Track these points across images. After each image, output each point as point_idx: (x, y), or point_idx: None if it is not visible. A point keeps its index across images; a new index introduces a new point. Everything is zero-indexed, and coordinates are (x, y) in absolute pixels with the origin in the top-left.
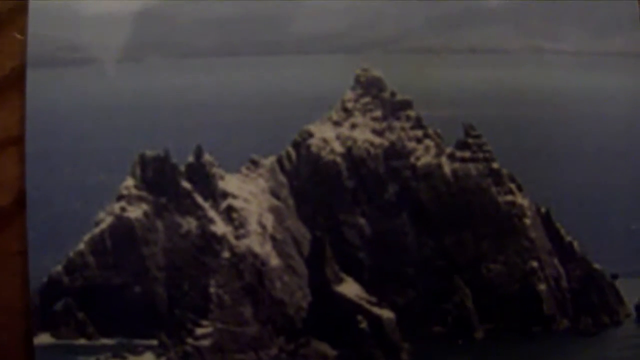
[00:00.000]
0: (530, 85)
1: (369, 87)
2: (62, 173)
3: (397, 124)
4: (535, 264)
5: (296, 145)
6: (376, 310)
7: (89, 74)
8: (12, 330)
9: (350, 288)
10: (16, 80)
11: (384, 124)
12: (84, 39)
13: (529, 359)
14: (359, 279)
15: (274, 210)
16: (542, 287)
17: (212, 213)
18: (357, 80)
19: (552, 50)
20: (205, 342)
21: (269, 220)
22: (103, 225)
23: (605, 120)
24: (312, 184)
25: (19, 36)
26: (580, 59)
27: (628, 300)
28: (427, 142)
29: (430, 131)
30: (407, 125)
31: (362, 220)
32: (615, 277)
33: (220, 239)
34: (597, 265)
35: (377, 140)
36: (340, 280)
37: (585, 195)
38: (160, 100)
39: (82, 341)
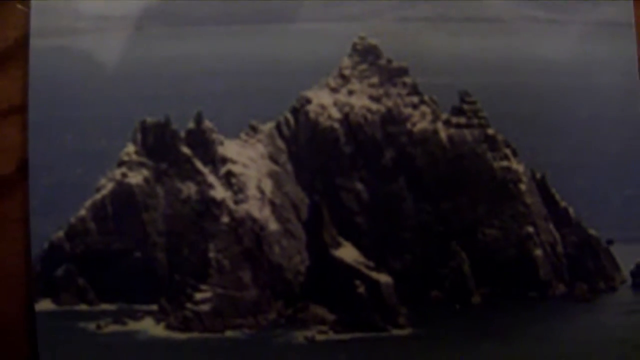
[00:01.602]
0: (524, 54)
1: (366, 54)
2: (64, 140)
3: (393, 91)
4: (531, 229)
5: (294, 111)
6: (374, 274)
7: (91, 43)
8: (13, 297)
9: (348, 252)
10: (19, 50)
11: (381, 91)
12: (85, 9)
13: (525, 323)
14: (356, 244)
15: (272, 175)
16: (538, 252)
17: (211, 178)
18: (354, 47)
19: (545, 19)
20: (205, 307)
21: (267, 185)
22: (104, 191)
23: (597, 88)
24: (310, 150)
25: (22, 7)
26: (573, 28)
27: (624, 267)
28: (423, 108)
29: (426, 98)
30: (404, 91)
31: (359, 185)
32: (610, 242)
33: (220, 204)
34: (592, 231)
35: (374, 106)
36: (338, 245)
37: (579, 162)
38: (161, 68)
39: (83, 307)
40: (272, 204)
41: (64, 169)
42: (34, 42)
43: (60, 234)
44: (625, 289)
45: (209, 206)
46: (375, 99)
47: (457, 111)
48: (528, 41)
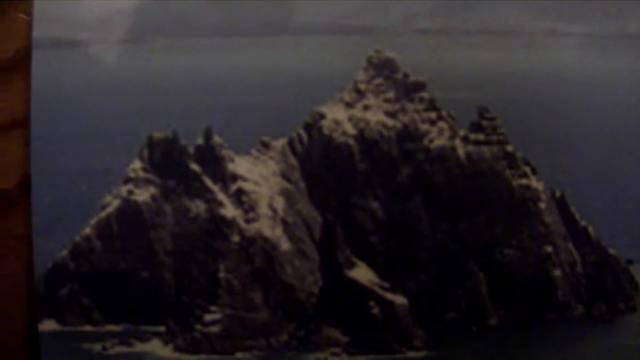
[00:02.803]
0: (544, 68)
1: (382, 68)
2: (68, 156)
3: (410, 106)
4: (549, 248)
5: (308, 127)
6: (389, 295)
7: (95, 55)
8: (16, 317)
9: (362, 273)
10: (21, 62)
11: (397, 106)
12: (89, 20)
13: (543, 345)
14: (371, 264)
15: (284, 193)
16: (557, 272)
17: (221, 196)
18: (370, 61)
19: (565, 32)
20: (214, 329)
21: (279, 203)
22: (110, 209)
23: (619, 104)
24: (324, 167)
25: (24, 17)
26: (594, 42)
27: None
28: (441, 124)
29: (444, 113)
30: (421, 107)
31: (374, 204)
32: (630, 262)
33: (230, 223)
34: (612, 251)
35: (390, 122)
36: (352, 265)
37: (599, 180)
38: (167, 81)
39: (88, 328)
40: (284, 222)
41: (68, 185)
42: (36, 54)
43: (65, 252)
44: None
45: (218, 225)
46: (392, 115)
47: (476, 127)
48: (549, 55)
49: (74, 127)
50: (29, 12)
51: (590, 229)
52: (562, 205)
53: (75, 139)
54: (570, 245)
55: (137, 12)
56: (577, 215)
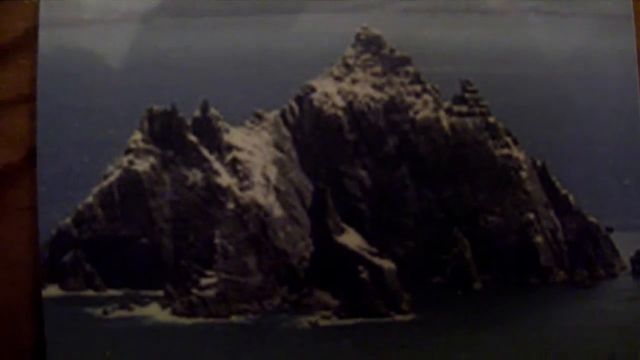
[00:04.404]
0: (525, 46)
1: (369, 44)
2: (72, 129)
3: (396, 80)
4: (532, 216)
5: (299, 100)
6: (377, 260)
7: (98, 35)
8: (22, 284)
9: (352, 239)
10: (29, 41)
11: (384, 80)
12: (92, 1)
13: (526, 310)
14: (360, 230)
15: (277, 162)
16: (539, 239)
17: (217, 165)
18: (358, 38)
19: (546, 12)
20: (210, 293)
21: (272, 172)
22: (112, 179)
23: (597, 80)
24: (315, 137)
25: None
26: (573, 21)
27: (624, 254)
28: (426, 97)
29: (428, 87)
30: (406, 80)
31: (363, 173)
32: (610, 230)
33: (225, 191)
34: (592, 219)
35: (377, 94)
36: (342, 231)
37: (579, 151)
38: (167, 59)
39: (90, 293)
40: (277, 190)
41: (72, 157)
42: (43, 34)
43: (68, 220)
44: (626, 276)
45: (214, 193)
46: (379, 88)
47: (459, 100)
48: (528, 33)
49: (78, 102)
50: None
51: (571, 198)
52: (543, 175)
53: (79, 112)
54: (552, 213)
55: None
56: (558, 184)
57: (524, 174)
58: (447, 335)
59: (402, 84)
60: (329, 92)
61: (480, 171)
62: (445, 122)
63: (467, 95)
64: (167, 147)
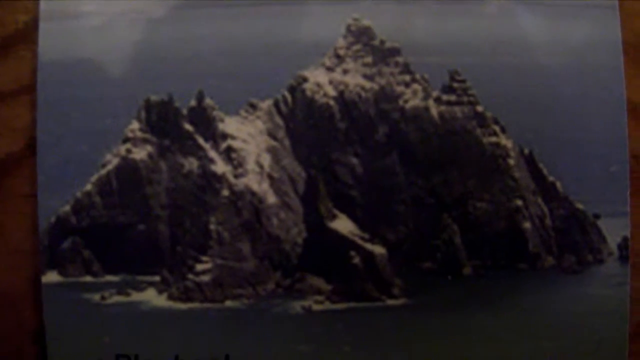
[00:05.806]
0: (511, 34)
1: (360, 35)
2: (71, 119)
3: (386, 70)
4: (519, 202)
5: (292, 89)
6: (368, 246)
7: (97, 27)
8: (22, 270)
9: (343, 224)
10: (29, 33)
11: (374, 69)
12: None
13: (514, 294)
14: (351, 216)
15: (271, 150)
16: (527, 225)
17: (212, 153)
18: (349, 29)
19: (532, 1)
20: (205, 278)
21: (266, 159)
22: (109, 167)
23: (583, 68)
24: (307, 126)
25: None
26: (559, 10)
27: (611, 240)
28: (415, 86)
29: (417, 76)
30: (396, 70)
31: (354, 160)
32: (597, 216)
33: (220, 178)
34: (579, 205)
35: (367, 84)
36: (333, 217)
37: (565, 139)
38: (164, 49)
39: (88, 278)
40: (271, 177)
41: (71, 146)
42: (43, 26)
43: (67, 208)
44: (613, 261)
45: (209, 180)
46: (369, 78)
47: (448, 89)
48: (515, 22)
49: (77, 93)
50: None
51: (558, 185)
52: (530, 162)
53: (78, 102)
54: (540, 200)
55: None
56: (545, 171)
57: (511, 161)
58: (438, 319)
59: (392, 74)
60: (320, 81)
61: (468, 158)
62: (434, 111)
63: (455, 85)
64: (163, 136)
